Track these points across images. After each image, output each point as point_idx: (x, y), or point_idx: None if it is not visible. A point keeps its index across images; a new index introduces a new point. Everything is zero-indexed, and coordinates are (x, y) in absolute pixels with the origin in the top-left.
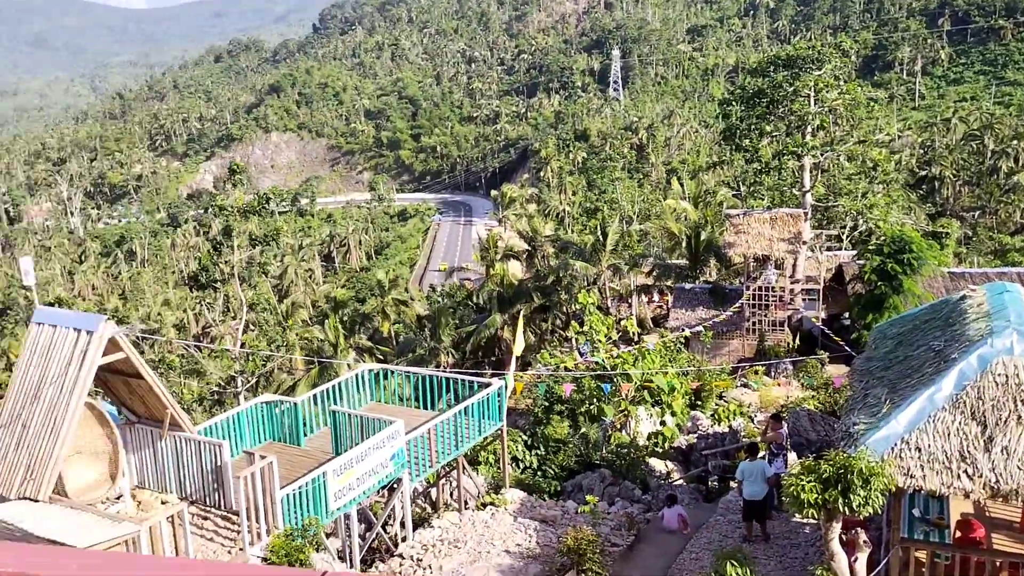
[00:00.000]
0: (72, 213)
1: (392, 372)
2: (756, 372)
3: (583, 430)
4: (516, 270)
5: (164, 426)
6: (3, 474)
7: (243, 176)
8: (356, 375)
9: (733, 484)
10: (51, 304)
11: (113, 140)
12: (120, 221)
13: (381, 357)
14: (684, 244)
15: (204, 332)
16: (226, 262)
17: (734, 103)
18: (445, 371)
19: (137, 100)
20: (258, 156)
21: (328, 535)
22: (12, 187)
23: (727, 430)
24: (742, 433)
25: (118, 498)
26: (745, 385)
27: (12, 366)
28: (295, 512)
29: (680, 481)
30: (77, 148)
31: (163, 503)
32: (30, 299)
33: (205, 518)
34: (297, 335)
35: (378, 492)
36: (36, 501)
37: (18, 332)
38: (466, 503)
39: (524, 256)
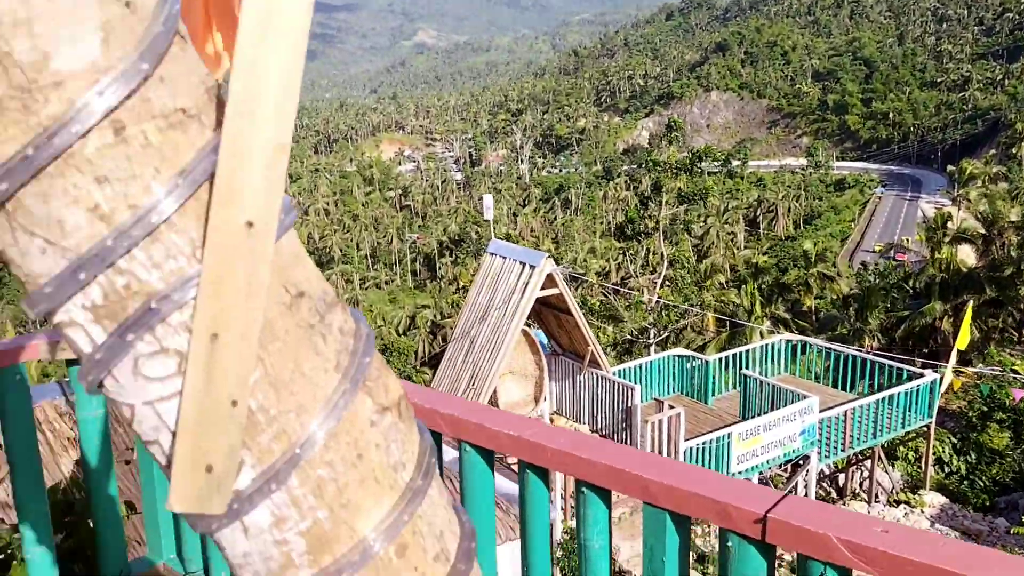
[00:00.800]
0: (522, 161)
1: (809, 346)
2: None
3: None
4: (967, 256)
5: (584, 361)
6: (451, 380)
7: (679, 133)
8: (771, 344)
9: None
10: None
11: (564, 95)
12: (561, 171)
13: (797, 331)
14: None
15: (623, 282)
16: (651, 217)
17: None
18: (869, 354)
19: (590, 57)
20: (695, 115)
21: None
22: (477, 134)
23: None
24: None
25: (538, 419)
26: None
27: (460, 289)
28: (697, 466)
29: None
30: (532, 101)
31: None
32: (480, 234)
33: None
34: (712, 296)
35: (781, 465)
36: None
37: (468, 262)
38: (876, 496)
39: (979, 241)
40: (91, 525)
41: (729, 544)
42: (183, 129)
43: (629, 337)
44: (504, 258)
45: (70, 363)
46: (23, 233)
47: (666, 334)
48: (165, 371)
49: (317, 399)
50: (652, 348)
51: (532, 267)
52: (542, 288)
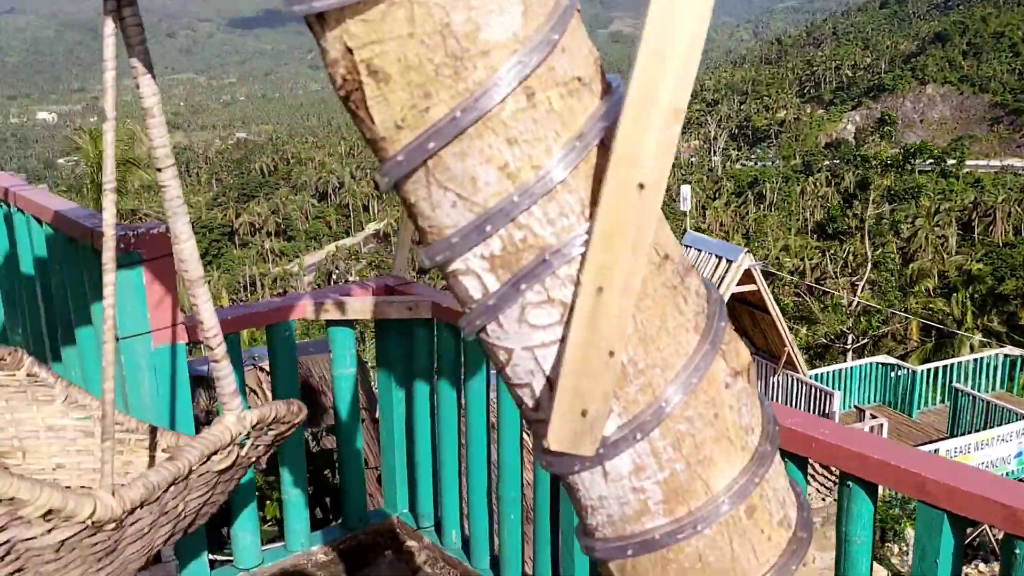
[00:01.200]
0: (715, 152)
1: None
2: None
3: None
4: None
5: (780, 362)
6: None
7: (891, 128)
8: (985, 358)
9: None
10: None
11: (764, 85)
12: (756, 164)
13: (1013, 345)
14: None
15: (817, 283)
16: (855, 215)
17: None
18: None
19: (794, 46)
20: (907, 109)
21: None
22: None
23: None
24: None
25: None
26: None
27: None
28: (980, 468)
29: None
30: (730, 91)
31: None
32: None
33: None
34: (918, 303)
35: None
36: None
37: None
38: None
39: None
40: (329, 475)
41: (1016, 552)
42: (578, 96)
43: (824, 340)
44: (699, 251)
45: (330, 323)
46: (438, 188)
47: (864, 340)
48: (549, 320)
49: (679, 357)
50: (849, 354)
51: (730, 261)
52: (739, 283)
